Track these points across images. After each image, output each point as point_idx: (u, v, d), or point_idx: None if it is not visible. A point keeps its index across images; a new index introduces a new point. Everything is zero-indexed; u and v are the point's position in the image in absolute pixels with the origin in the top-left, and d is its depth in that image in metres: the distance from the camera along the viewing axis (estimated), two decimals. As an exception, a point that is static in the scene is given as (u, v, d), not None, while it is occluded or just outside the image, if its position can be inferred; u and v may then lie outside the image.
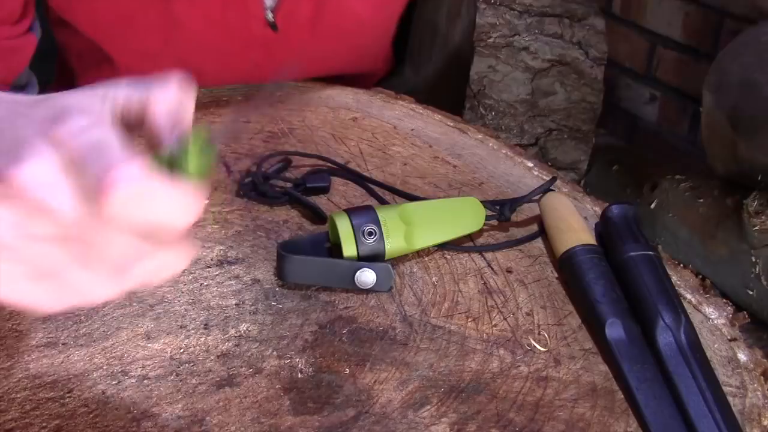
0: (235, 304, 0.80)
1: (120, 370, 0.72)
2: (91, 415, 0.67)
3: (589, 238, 0.88)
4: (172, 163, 0.47)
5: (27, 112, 0.49)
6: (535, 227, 0.96)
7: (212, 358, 0.74)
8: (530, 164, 1.10)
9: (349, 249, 0.80)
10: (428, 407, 0.71)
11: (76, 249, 0.44)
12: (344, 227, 0.81)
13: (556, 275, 0.89)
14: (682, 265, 0.94)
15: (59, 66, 1.31)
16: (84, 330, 0.76)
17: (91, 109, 0.48)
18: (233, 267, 0.85)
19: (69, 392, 0.69)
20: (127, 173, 0.42)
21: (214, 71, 1.16)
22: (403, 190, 0.99)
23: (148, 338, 0.75)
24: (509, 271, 0.88)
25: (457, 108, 2.00)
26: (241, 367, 0.73)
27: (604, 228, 0.91)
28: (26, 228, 0.44)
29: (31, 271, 0.45)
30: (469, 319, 0.81)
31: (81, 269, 0.45)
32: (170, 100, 0.49)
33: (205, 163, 0.47)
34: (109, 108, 0.49)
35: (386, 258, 0.82)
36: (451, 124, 1.18)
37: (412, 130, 1.14)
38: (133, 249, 0.45)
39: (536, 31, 1.97)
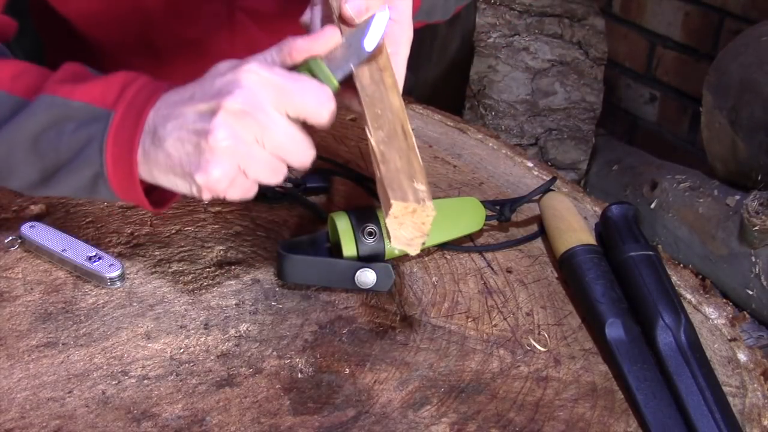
0: (235, 304, 0.80)
1: (120, 370, 0.72)
2: (91, 415, 0.67)
3: (589, 238, 0.88)
4: (310, 73, 0.69)
5: (208, 76, 0.69)
6: (535, 227, 0.96)
7: (212, 358, 0.74)
8: (530, 164, 1.10)
9: (349, 249, 0.80)
10: (428, 407, 0.71)
11: (261, 136, 0.65)
12: (344, 227, 0.81)
13: (556, 275, 0.89)
14: (682, 265, 0.94)
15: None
16: (84, 330, 0.76)
17: (258, 58, 0.70)
18: (233, 267, 0.85)
19: (69, 392, 0.69)
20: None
21: (185, 64, 1.17)
22: (403, 190, 0.99)
23: (148, 338, 0.75)
24: (509, 271, 0.88)
25: (457, 108, 2.00)
26: (241, 367, 0.73)
27: (604, 228, 0.91)
28: (239, 134, 0.65)
29: (237, 168, 0.66)
30: (469, 319, 0.81)
31: (262, 155, 0.66)
32: (304, 45, 0.70)
33: (331, 77, 0.69)
34: (264, 58, 0.70)
35: (386, 258, 0.82)
36: (451, 124, 1.18)
37: (412, 130, 1.14)
38: (289, 130, 0.66)
39: (536, 31, 1.97)
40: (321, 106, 0.67)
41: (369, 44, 0.69)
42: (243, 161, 0.66)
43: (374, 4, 0.75)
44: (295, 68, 0.70)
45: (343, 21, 0.75)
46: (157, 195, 0.73)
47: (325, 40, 0.70)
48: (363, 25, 0.70)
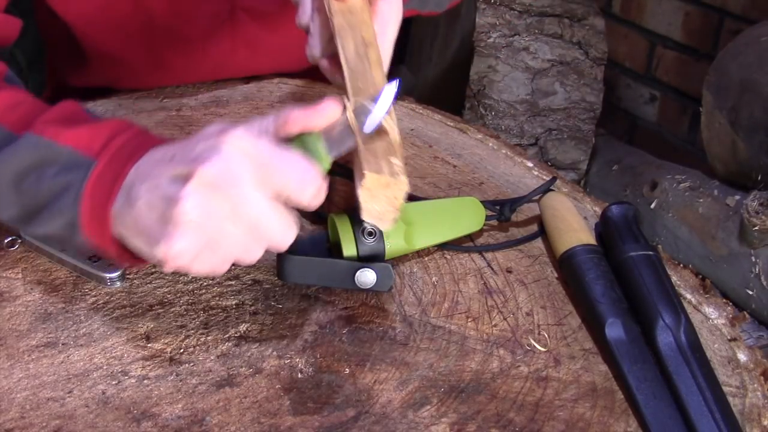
0: (235, 304, 0.80)
1: (120, 370, 0.72)
2: (91, 415, 0.67)
3: (589, 238, 0.88)
4: (303, 148, 0.65)
5: (194, 137, 0.64)
6: (535, 227, 0.96)
7: (212, 358, 0.74)
8: (530, 164, 1.10)
9: (349, 249, 0.80)
10: (428, 407, 0.71)
11: (235, 213, 0.61)
12: (344, 227, 0.81)
13: (556, 275, 0.89)
14: (682, 265, 0.94)
15: (49, 72, 1.31)
16: (84, 330, 0.76)
17: (248, 127, 0.64)
18: (233, 267, 0.85)
19: (69, 392, 0.69)
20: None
21: (186, 64, 1.17)
22: (403, 190, 0.99)
23: (148, 338, 0.75)
24: (509, 271, 0.88)
25: (457, 108, 2.00)
26: (241, 367, 0.73)
27: (604, 228, 0.91)
28: (209, 208, 0.60)
29: (205, 243, 0.61)
30: (469, 319, 0.81)
31: (234, 233, 0.61)
32: (301, 117, 0.66)
33: (324, 156, 0.65)
34: (259, 126, 0.65)
35: (386, 258, 0.82)
36: (451, 124, 1.18)
37: (412, 130, 1.14)
38: (268, 209, 0.61)
39: (536, 31, 1.97)
40: (303, 187, 0.62)
41: (371, 126, 0.66)
42: (212, 237, 0.62)
43: None
44: (290, 139, 0.66)
45: None
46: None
47: (324, 115, 0.66)
48: (368, 103, 0.67)
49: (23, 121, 0.72)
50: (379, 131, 0.67)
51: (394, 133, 0.67)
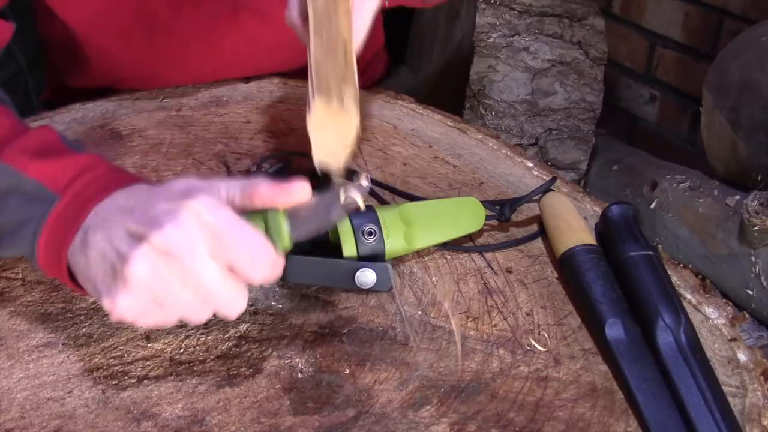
0: (235, 304, 0.80)
1: (120, 370, 0.72)
2: (91, 415, 0.67)
3: (589, 238, 0.88)
4: (266, 224, 0.65)
5: (160, 191, 0.65)
6: (535, 227, 0.96)
7: (212, 358, 0.74)
8: (530, 164, 1.10)
9: (349, 249, 0.80)
10: (428, 407, 0.71)
11: (185, 279, 0.61)
12: (344, 227, 0.81)
13: (556, 275, 0.89)
14: (682, 265, 0.94)
15: (48, 72, 1.31)
16: (84, 330, 0.76)
17: (213, 191, 0.64)
18: (233, 267, 0.85)
19: (69, 392, 0.69)
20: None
21: (187, 64, 1.17)
22: (403, 190, 0.99)
23: (148, 338, 0.75)
24: (509, 271, 0.88)
25: (457, 108, 2.00)
26: (241, 367, 0.73)
27: (604, 228, 0.91)
28: (158, 272, 0.60)
29: (151, 301, 0.62)
30: (469, 319, 0.81)
31: (183, 296, 0.61)
32: (267, 193, 0.65)
33: (285, 235, 0.65)
34: (225, 193, 0.65)
35: (386, 258, 0.82)
36: (451, 124, 1.18)
37: (412, 130, 1.14)
38: (219, 279, 0.62)
39: (536, 31, 1.97)
40: (255, 265, 0.63)
41: (339, 216, 0.66)
42: (159, 297, 0.62)
43: None
44: (256, 211, 0.66)
45: None
46: None
47: (292, 196, 0.66)
48: (336, 192, 0.66)
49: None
50: (333, 50, 0.66)
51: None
